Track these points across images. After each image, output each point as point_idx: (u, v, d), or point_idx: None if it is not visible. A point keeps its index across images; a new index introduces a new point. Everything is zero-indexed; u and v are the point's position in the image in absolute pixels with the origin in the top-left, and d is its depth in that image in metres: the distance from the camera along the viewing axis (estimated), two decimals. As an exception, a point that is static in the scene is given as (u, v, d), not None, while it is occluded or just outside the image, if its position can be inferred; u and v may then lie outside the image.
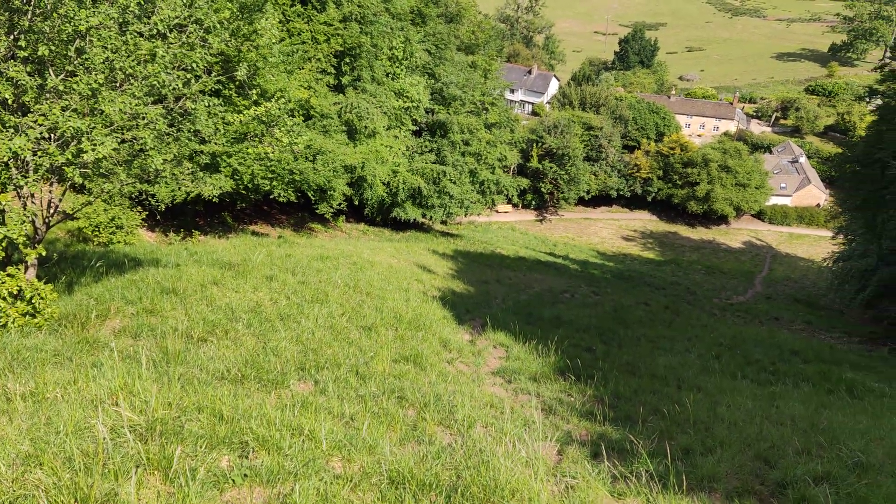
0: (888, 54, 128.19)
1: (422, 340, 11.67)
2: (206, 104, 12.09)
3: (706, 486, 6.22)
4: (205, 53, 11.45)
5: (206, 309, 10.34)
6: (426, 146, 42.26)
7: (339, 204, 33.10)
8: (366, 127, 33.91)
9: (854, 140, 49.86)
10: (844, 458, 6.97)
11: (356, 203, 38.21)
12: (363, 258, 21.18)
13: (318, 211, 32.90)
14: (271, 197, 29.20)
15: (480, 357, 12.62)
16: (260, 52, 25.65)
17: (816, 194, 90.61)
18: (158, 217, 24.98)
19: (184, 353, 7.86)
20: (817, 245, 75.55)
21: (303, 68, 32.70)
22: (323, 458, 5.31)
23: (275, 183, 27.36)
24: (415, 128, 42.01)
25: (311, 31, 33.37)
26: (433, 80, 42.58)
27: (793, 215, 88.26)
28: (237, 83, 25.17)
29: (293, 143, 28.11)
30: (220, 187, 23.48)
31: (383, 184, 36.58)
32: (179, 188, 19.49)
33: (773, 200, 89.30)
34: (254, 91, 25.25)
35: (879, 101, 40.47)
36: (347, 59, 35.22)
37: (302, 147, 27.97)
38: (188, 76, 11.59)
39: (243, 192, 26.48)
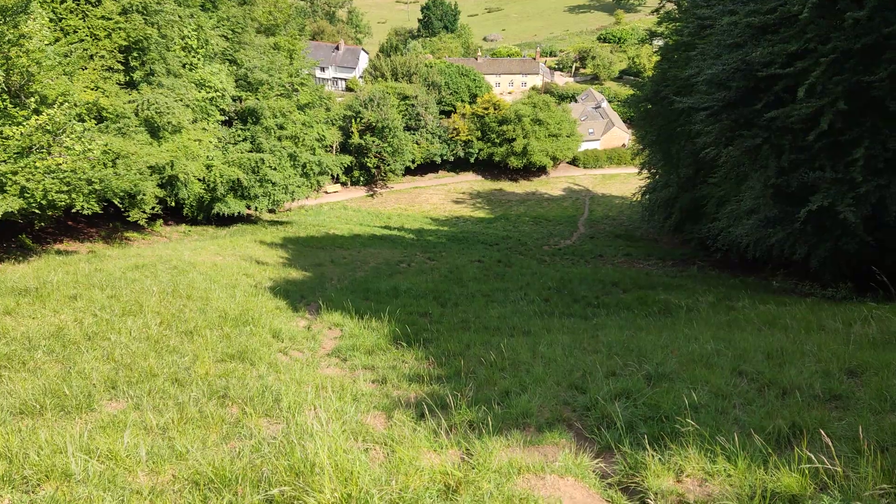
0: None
1: (250, 335, 11.32)
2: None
3: (520, 422, 6.55)
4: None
5: (-2, 343, 9.39)
6: (239, 135, 40.65)
7: (153, 208, 31.11)
8: (169, 122, 31.96)
9: (644, 81, 53.80)
10: (644, 372, 7.63)
11: (173, 204, 36.15)
12: (184, 260, 20.13)
13: (130, 219, 30.76)
14: (74, 211, 26.96)
15: (315, 341, 12.47)
16: (32, 56, 23.34)
17: (620, 135, 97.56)
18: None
19: (-31, 396, 7.08)
20: (628, 182, 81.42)
21: (86, 68, 30.19)
22: (126, 475, 5.03)
23: (74, 195, 25.20)
24: (224, 118, 40.21)
25: (90, 28, 30.76)
26: (235, 67, 40.85)
27: (603, 158, 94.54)
28: (12, 92, 22.83)
29: (87, 149, 26.03)
30: (8, 208, 21.38)
31: (199, 180, 34.80)
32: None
33: (585, 146, 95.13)
34: (32, 99, 23.00)
35: (660, 43, 43.83)
36: (136, 54, 32.87)
37: (98, 153, 26.00)
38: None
39: (37, 210, 24.19)
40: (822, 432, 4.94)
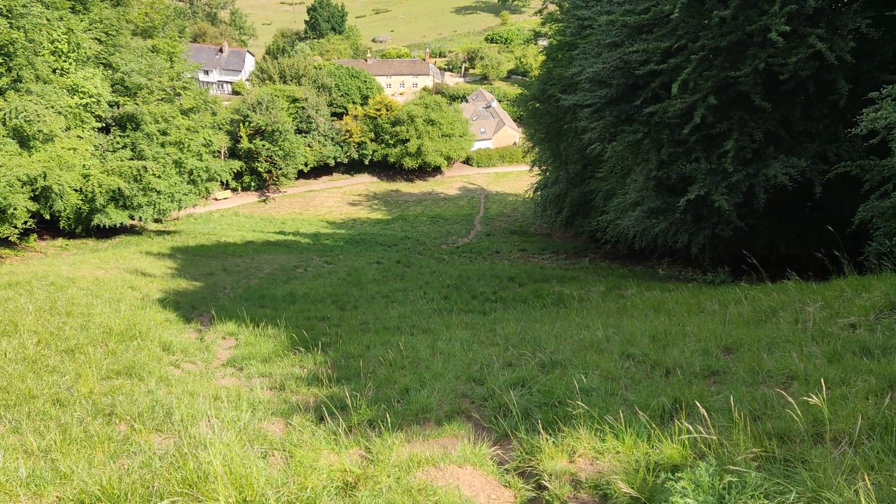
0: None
1: (138, 350, 10.86)
2: None
3: (420, 417, 6.63)
4: None
5: None
6: (119, 142, 38.70)
7: (26, 222, 29.24)
8: (39, 131, 30.05)
9: (531, 80, 55.19)
10: (538, 361, 7.87)
11: (48, 217, 34.03)
12: (62, 276, 19.01)
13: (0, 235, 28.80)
14: (-64, 228, 25.04)
15: (209, 352, 12.13)
16: None
17: (511, 134, 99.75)
18: None
19: None
20: (520, 179, 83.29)
21: (-55, 75, 28.05)
22: (7, 500, 4.74)
23: (-65, 212, 23.42)
24: (101, 125, 38.18)
25: (-52, 32, 28.62)
26: (111, 71, 38.88)
27: (496, 156, 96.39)
28: None
29: (-51, 162, 24.14)
30: None
31: (75, 190, 32.93)
32: None
33: (478, 145, 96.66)
34: None
35: (545, 43, 45.05)
36: (1, 60, 30.79)
37: (-39, 165, 24.16)
38: None
39: None
40: (699, 405, 5.27)
